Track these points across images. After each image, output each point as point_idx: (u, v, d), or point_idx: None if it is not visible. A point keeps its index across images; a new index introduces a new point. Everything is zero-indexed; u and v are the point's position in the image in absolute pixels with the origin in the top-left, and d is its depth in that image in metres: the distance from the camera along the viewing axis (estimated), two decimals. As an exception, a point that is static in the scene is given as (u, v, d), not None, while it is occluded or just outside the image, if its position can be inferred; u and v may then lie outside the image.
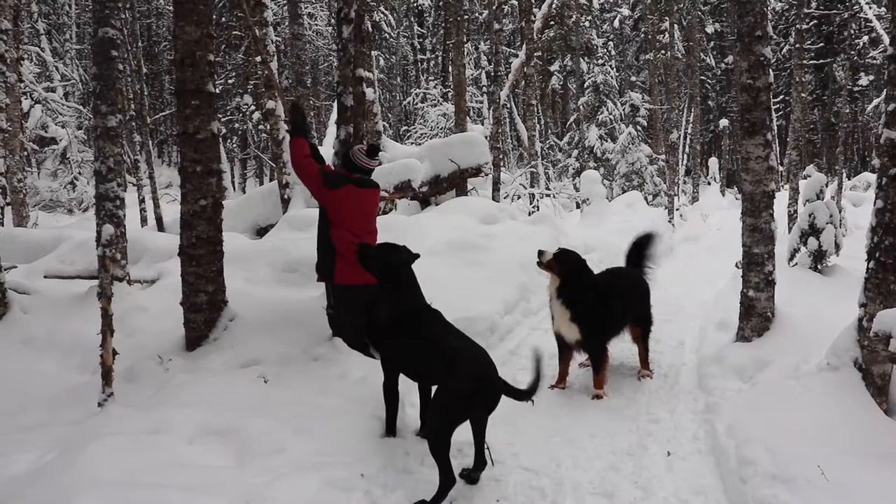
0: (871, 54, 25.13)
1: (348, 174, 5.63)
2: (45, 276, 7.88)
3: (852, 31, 21.95)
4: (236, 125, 28.32)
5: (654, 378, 6.20)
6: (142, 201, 17.55)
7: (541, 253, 5.87)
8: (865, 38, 24.40)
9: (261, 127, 26.68)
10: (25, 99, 19.52)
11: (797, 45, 15.86)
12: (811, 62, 27.46)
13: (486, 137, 14.99)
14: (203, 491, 3.53)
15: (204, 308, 5.71)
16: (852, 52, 22.58)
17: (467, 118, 17.36)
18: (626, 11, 34.65)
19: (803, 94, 16.02)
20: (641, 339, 6.37)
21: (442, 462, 3.97)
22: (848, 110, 23.17)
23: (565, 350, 6.03)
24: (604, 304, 5.83)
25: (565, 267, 5.81)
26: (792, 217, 13.97)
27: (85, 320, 5.95)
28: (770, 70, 5.98)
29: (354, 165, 5.65)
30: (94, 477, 3.52)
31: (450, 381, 4.13)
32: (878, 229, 4.59)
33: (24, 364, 5.63)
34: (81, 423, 4.37)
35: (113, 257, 6.02)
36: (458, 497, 4.09)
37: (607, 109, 28.09)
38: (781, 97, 34.11)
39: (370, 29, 6.84)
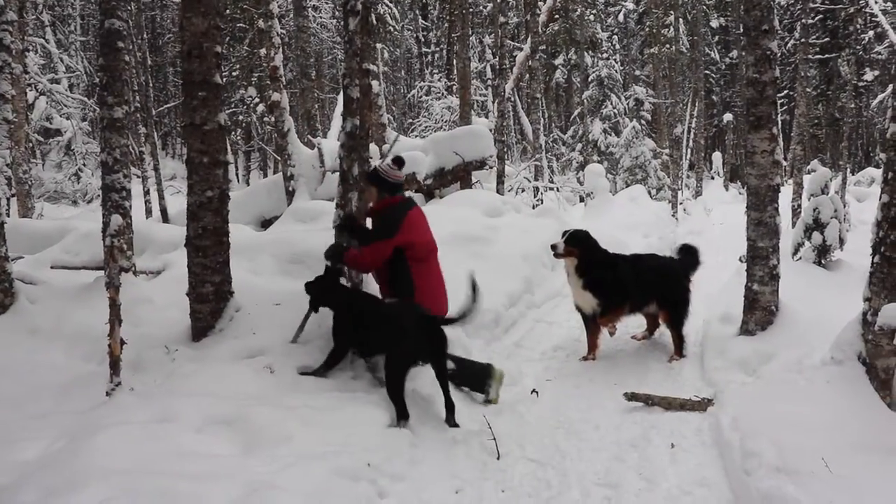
0: (876, 49, 25.06)
1: (394, 203, 5.52)
2: (51, 267, 7.90)
3: (858, 26, 21.86)
4: (240, 117, 28.34)
5: (659, 370, 6.23)
6: (146, 193, 17.58)
7: (554, 246, 6.53)
8: (871, 32, 24.32)
9: (265, 119, 26.70)
10: (30, 90, 19.53)
11: (802, 40, 15.81)
12: (816, 57, 27.39)
13: (490, 130, 14.99)
14: (211, 479, 3.56)
15: (210, 299, 5.73)
16: (858, 47, 22.50)
17: (472, 111, 17.35)
18: (630, 5, 34.52)
19: (808, 89, 16.01)
20: (670, 323, 6.60)
21: (397, 401, 4.72)
22: (853, 105, 23.14)
23: (589, 322, 6.54)
24: (610, 276, 6.44)
25: (577, 245, 6.46)
26: (795, 212, 13.96)
27: (91, 310, 5.97)
28: (776, 64, 5.98)
29: (389, 183, 5.55)
30: (102, 465, 3.55)
31: (392, 335, 4.90)
32: (883, 224, 4.59)
33: (31, 353, 5.64)
34: (89, 412, 4.40)
35: (120, 247, 6.03)
36: (465, 487, 4.13)
37: (611, 103, 28.05)
38: (786, 92, 34.02)
39: (375, 21, 6.84)
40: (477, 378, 5.48)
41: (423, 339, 4.89)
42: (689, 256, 7.13)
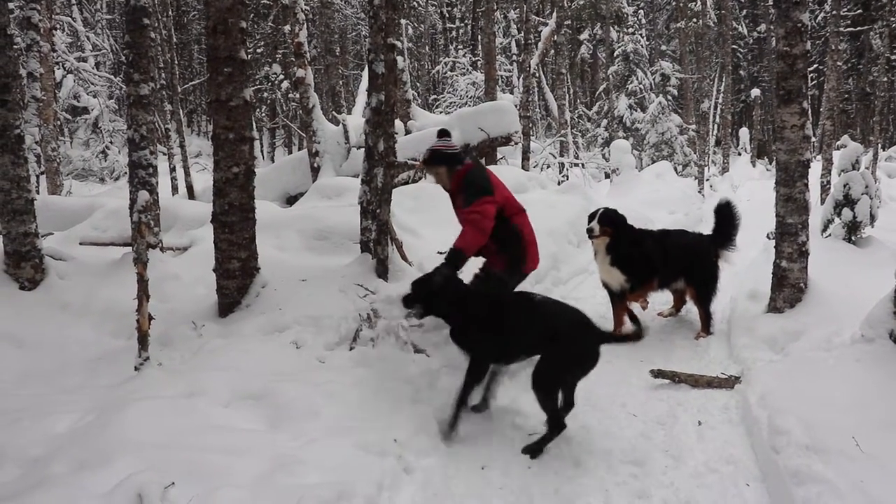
0: (910, 22, 24.47)
1: (470, 168, 5.52)
2: (80, 243, 7.99)
3: (892, -2, 21.32)
4: (265, 94, 28.39)
5: (685, 347, 6.19)
6: (172, 170, 17.69)
7: (590, 230, 6.39)
8: (905, 4, 23.74)
9: (290, 96, 26.72)
10: (58, 68, 19.67)
11: (833, 12, 15.51)
12: (847, 30, 26.81)
13: (515, 106, 14.89)
14: (239, 453, 3.60)
15: (236, 275, 5.76)
16: (891, 20, 21.97)
17: (497, 87, 17.24)
18: (657, -22, 34.04)
19: (838, 63, 15.69)
20: (697, 300, 6.57)
21: (552, 412, 4.24)
22: (885, 79, 22.61)
23: (616, 298, 6.54)
24: (638, 252, 6.39)
25: (611, 225, 6.39)
26: (825, 188, 13.76)
27: (119, 286, 6.04)
28: (807, 37, 5.86)
29: (452, 155, 5.56)
30: (132, 438, 3.60)
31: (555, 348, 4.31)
32: (917, 199, 4.51)
33: (62, 328, 5.73)
34: (118, 387, 4.46)
35: (148, 224, 6.07)
36: (491, 463, 4.13)
37: (637, 79, 27.74)
38: (815, 66, 33.42)
39: (399, -4, 6.80)
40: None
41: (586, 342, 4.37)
42: (725, 220, 6.84)
